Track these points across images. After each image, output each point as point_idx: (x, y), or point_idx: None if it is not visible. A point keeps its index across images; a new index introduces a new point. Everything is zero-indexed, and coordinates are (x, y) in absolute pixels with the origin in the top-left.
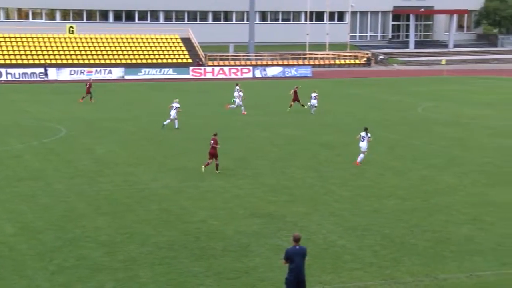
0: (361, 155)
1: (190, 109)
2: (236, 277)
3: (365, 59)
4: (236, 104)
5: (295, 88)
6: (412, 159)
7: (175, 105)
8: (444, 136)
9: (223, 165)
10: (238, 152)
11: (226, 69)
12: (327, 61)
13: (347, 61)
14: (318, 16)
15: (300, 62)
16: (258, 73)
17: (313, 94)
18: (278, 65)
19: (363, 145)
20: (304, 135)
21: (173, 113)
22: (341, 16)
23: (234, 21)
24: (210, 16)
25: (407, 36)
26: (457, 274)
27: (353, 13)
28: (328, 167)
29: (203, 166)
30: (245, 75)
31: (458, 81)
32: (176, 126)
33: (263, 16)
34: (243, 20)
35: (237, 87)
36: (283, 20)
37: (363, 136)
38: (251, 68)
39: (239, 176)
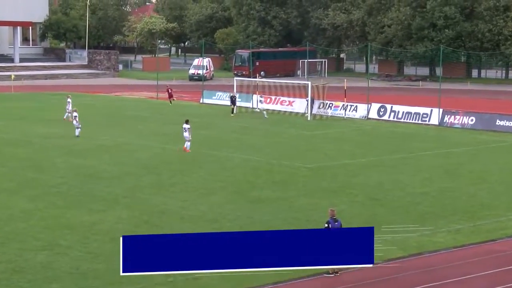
0: (187, 143)
1: None
2: None
3: None
4: None
5: (168, 87)
6: None
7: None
8: (16, 157)
9: None
10: None
11: None
12: None
13: None
14: None
15: None
16: None
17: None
18: None
19: (186, 134)
20: None
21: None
22: None
23: None
24: None
25: None
26: None
27: None
28: None
29: None
30: None
31: (28, 97)
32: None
33: None
34: None
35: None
36: None
37: (184, 128)
38: None
39: None
